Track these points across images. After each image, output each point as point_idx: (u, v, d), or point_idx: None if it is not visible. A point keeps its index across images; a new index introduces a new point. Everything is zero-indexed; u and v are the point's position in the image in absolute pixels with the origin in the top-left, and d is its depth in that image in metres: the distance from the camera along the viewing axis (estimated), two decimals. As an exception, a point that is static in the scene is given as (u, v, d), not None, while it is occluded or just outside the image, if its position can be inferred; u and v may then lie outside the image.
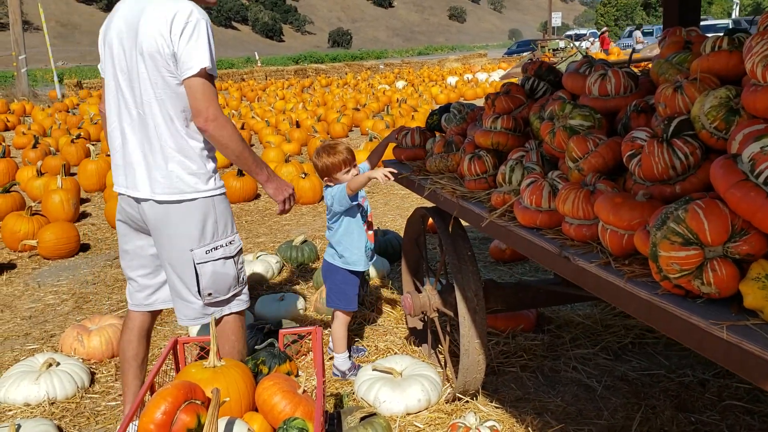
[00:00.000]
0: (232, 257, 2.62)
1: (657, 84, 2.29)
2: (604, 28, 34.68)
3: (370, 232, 3.42)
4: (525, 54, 30.55)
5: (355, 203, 3.25)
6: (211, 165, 2.57)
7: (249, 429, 2.14)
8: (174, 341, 2.70)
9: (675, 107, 1.94)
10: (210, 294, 2.57)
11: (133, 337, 2.78)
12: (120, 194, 2.65)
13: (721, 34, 2.04)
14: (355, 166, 3.31)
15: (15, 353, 3.83)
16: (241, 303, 2.70)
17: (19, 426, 2.75)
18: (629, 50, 25.41)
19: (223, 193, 2.62)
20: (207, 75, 2.41)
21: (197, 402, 2.13)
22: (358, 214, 3.34)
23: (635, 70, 2.65)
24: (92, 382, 3.42)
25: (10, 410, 3.15)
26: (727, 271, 1.42)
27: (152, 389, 2.41)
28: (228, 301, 2.65)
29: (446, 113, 3.36)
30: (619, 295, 1.69)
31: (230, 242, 2.61)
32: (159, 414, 2.03)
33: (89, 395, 3.30)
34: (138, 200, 2.55)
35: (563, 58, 18.66)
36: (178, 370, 2.68)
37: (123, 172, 2.59)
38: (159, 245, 2.59)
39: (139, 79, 2.45)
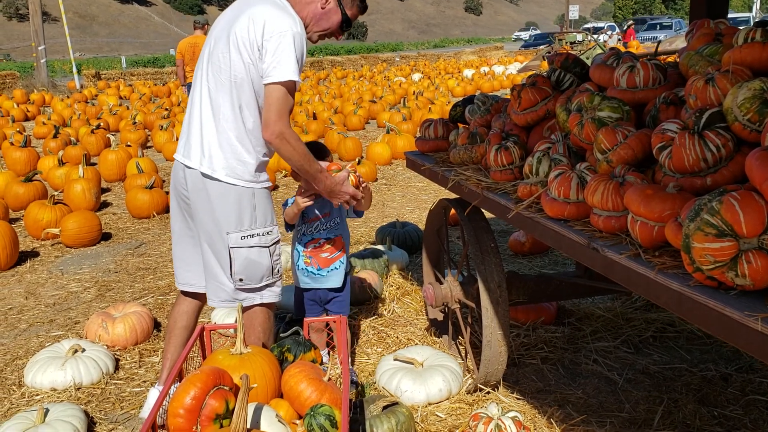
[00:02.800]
0: (267, 247, 2.64)
1: (686, 76, 2.28)
2: (630, 22, 34.47)
3: (324, 255, 3.07)
4: (542, 47, 30.38)
5: (303, 224, 3.09)
6: (261, 160, 2.62)
7: (277, 415, 2.17)
8: (201, 328, 2.73)
9: (706, 99, 1.94)
10: (241, 279, 2.60)
11: (189, 309, 2.89)
12: (176, 162, 2.72)
13: (752, 26, 2.03)
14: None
15: (40, 339, 3.89)
16: (273, 295, 2.72)
17: (48, 410, 2.80)
18: (648, 44, 25.21)
19: (266, 188, 2.67)
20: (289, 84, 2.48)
21: (225, 388, 2.16)
22: (301, 233, 3.12)
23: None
24: (117, 368, 3.47)
25: (38, 395, 3.20)
26: (763, 263, 1.42)
27: (180, 375, 2.45)
28: (260, 290, 2.67)
29: (470, 105, 3.36)
30: (649, 287, 1.69)
31: (267, 232, 2.64)
32: (188, 399, 2.06)
33: (114, 381, 3.35)
34: (187, 168, 2.62)
35: (581, 52, 18.55)
36: (204, 356, 2.71)
37: (183, 139, 2.68)
38: (198, 221, 2.64)
39: (220, 62, 2.54)
